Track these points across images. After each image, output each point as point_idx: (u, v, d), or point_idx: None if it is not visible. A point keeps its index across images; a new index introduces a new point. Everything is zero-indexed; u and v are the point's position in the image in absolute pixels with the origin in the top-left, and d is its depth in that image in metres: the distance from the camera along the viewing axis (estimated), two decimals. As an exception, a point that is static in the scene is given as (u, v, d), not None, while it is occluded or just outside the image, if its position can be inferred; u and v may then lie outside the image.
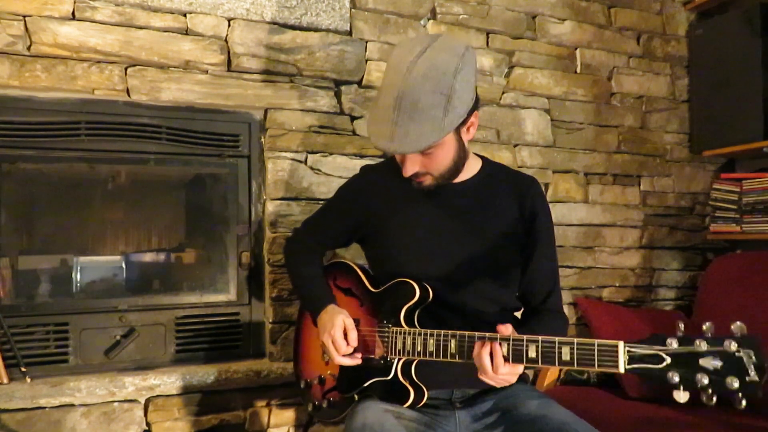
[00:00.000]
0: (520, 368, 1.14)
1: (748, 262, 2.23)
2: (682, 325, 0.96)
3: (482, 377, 1.14)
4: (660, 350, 0.95)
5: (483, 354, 1.12)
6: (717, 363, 0.90)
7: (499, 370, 1.11)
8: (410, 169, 1.27)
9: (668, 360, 0.94)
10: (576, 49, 2.39)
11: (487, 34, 2.24)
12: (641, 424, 1.71)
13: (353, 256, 1.62)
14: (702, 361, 0.91)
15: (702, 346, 0.92)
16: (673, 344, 0.94)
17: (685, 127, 2.59)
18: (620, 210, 2.45)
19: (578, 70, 2.39)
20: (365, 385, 1.32)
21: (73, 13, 1.69)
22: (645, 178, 2.51)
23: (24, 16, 1.64)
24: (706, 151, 2.52)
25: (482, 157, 1.47)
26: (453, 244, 1.37)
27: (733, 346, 0.89)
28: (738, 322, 0.90)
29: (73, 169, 1.81)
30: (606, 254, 2.42)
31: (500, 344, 1.11)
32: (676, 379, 0.93)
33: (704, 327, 0.93)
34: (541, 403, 1.28)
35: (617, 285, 2.44)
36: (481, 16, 2.22)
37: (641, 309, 2.41)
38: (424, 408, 1.28)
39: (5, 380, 1.61)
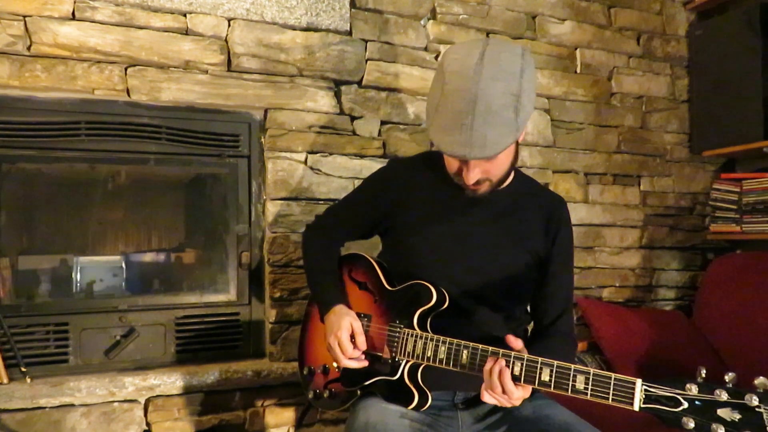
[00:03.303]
0: (527, 392, 1.12)
1: (748, 262, 2.24)
2: (704, 372, 0.94)
3: (488, 392, 1.12)
4: (678, 394, 0.94)
5: (495, 370, 1.10)
6: (735, 415, 0.89)
7: (507, 387, 1.09)
8: (474, 176, 1.22)
9: (685, 405, 0.93)
10: (576, 49, 2.39)
11: (487, 34, 2.24)
12: (641, 425, 1.71)
13: (364, 250, 1.60)
14: (720, 411, 0.90)
15: (722, 396, 0.90)
16: (693, 389, 0.93)
17: (685, 127, 2.59)
18: (620, 210, 2.45)
19: (578, 70, 2.39)
20: (369, 382, 1.31)
21: (73, 13, 1.69)
22: (645, 178, 2.51)
23: (24, 16, 1.64)
24: (706, 151, 2.52)
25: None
26: (475, 252, 1.35)
27: (755, 400, 0.88)
28: (762, 378, 0.88)
29: (73, 169, 1.81)
30: (606, 254, 2.42)
31: (514, 362, 1.10)
32: (691, 425, 0.91)
33: (726, 378, 0.92)
34: (542, 403, 1.28)
35: (617, 285, 2.44)
36: (481, 16, 2.22)
37: (641, 309, 2.41)
38: (427, 408, 1.28)
39: (5, 380, 1.61)
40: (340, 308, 1.37)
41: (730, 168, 2.63)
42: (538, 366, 1.07)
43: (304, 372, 1.49)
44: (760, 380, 0.89)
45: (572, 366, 1.04)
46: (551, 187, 2.31)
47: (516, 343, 1.12)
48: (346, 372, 1.36)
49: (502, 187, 1.36)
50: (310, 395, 1.45)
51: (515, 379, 1.09)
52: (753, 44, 2.29)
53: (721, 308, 2.16)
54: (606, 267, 2.42)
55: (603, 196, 2.42)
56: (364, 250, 1.56)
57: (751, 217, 2.36)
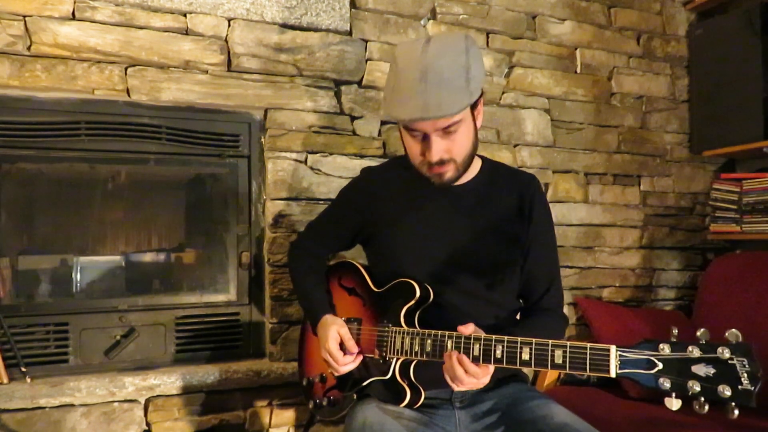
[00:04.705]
0: (490, 369, 1.16)
1: (748, 262, 2.23)
2: (675, 331, 0.95)
3: (456, 383, 1.17)
4: (652, 355, 0.94)
5: (455, 363, 1.14)
6: (709, 370, 0.89)
7: (470, 370, 1.14)
8: (437, 151, 1.26)
9: (660, 365, 0.93)
10: (576, 49, 2.39)
11: (487, 34, 2.24)
12: (641, 425, 1.71)
13: (353, 256, 1.62)
14: (694, 368, 0.90)
15: (694, 352, 0.90)
16: (666, 350, 0.93)
17: (685, 127, 2.59)
18: (620, 210, 2.45)
19: (578, 70, 2.39)
20: (364, 384, 1.32)
21: (73, 13, 1.69)
22: (645, 178, 2.51)
23: (24, 16, 1.64)
24: (706, 151, 2.52)
25: (481, 157, 1.47)
26: (454, 245, 1.37)
27: (726, 353, 0.88)
28: (733, 330, 0.89)
29: (73, 169, 1.81)
30: (606, 254, 2.42)
31: (495, 346, 1.11)
32: (667, 385, 0.92)
33: (698, 333, 0.92)
34: (541, 403, 1.28)
35: (617, 285, 2.44)
36: (481, 16, 2.22)
37: (641, 309, 2.41)
38: (424, 408, 1.28)
39: (5, 380, 1.61)
40: (325, 319, 1.39)
41: (730, 168, 2.63)
42: (518, 346, 1.09)
43: (304, 383, 1.51)
44: (730, 332, 0.89)
45: (549, 342, 1.06)
46: (551, 188, 2.32)
47: (465, 329, 1.16)
48: (342, 377, 1.38)
49: (470, 178, 1.40)
50: (311, 405, 1.46)
51: (497, 362, 1.11)
52: (753, 44, 2.28)
53: (721, 308, 2.16)
54: (606, 267, 2.42)
55: (603, 196, 2.42)
56: (350, 256, 1.58)
57: (751, 217, 2.36)
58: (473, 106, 1.29)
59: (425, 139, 1.26)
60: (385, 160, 1.99)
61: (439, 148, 1.26)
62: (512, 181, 1.44)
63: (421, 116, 1.20)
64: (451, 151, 1.28)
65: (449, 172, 1.30)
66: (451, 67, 1.20)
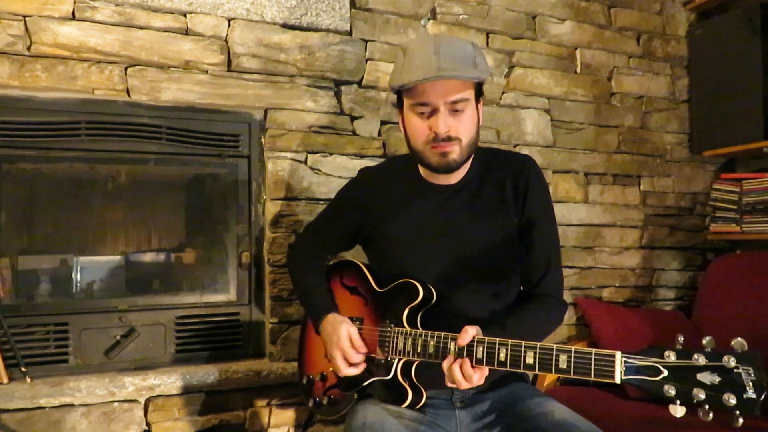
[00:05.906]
0: (484, 371, 1.16)
1: (748, 262, 2.24)
2: (681, 338, 0.95)
3: (450, 384, 1.17)
4: (657, 362, 0.94)
5: (455, 369, 1.15)
6: (715, 378, 0.89)
7: (473, 380, 1.14)
8: (444, 125, 1.27)
9: (665, 373, 0.93)
10: (576, 49, 2.39)
11: (487, 34, 2.24)
12: (641, 425, 1.71)
13: (353, 255, 1.62)
14: (699, 376, 0.90)
15: (700, 360, 0.91)
16: (671, 357, 0.94)
17: (685, 127, 2.59)
18: (620, 210, 2.45)
19: (578, 70, 2.39)
20: (365, 384, 1.32)
21: (73, 13, 1.69)
22: (645, 178, 2.51)
23: (24, 16, 1.64)
24: (706, 151, 2.52)
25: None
26: (456, 243, 1.36)
27: (732, 362, 0.88)
28: (739, 339, 0.89)
29: (73, 169, 1.81)
30: (606, 254, 2.42)
31: (499, 349, 1.11)
32: (672, 392, 0.92)
33: (704, 341, 0.92)
34: (541, 401, 1.28)
35: (617, 285, 2.44)
36: (481, 16, 2.22)
37: (641, 309, 2.41)
38: (425, 408, 1.28)
39: (5, 380, 1.61)
40: (333, 317, 1.38)
41: (730, 168, 2.63)
42: (522, 350, 1.09)
43: (304, 381, 1.51)
44: (736, 341, 0.90)
45: (554, 346, 1.06)
46: (551, 188, 2.31)
47: (462, 340, 1.15)
48: (343, 377, 1.37)
49: (465, 172, 1.40)
50: (311, 404, 1.46)
51: (501, 365, 1.11)
52: (753, 44, 2.28)
53: (720, 308, 2.16)
54: (606, 267, 2.42)
55: (603, 196, 2.42)
56: (350, 256, 1.58)
57: (751, 217, 2.36)
58: (477, 97, 1.32)
59: (432, 115, 1.28)
60: (382, 161, 1.99)
61: (447, 122, 1.27)
62: (506, 166, 1.42)
63: (435, 75, 1.22)
64: (458, 130, 1.29)
65: (454, 153, 1.30)
66: (461, 50, 1.27)
